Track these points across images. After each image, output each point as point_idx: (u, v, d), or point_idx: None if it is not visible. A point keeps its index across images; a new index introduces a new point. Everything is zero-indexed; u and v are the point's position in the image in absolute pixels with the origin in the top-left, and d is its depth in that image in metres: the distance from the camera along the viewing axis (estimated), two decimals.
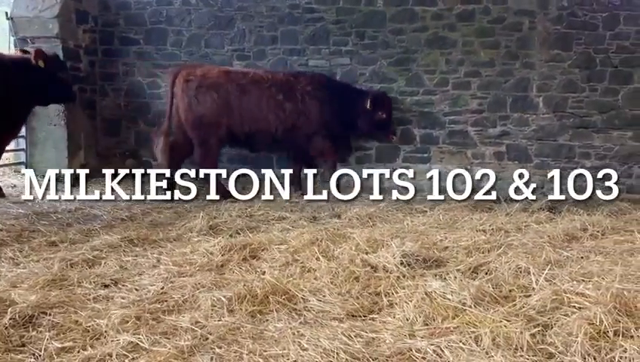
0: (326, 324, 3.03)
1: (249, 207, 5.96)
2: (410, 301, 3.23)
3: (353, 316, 3.21)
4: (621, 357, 2.46)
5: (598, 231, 5.17)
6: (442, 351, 2.63)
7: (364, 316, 3.21)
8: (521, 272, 3.79)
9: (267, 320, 3.05)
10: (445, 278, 3.62)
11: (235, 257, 4.09)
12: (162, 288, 3.45)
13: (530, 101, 7.35)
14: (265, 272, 3.78)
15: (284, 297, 3.29)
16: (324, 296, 3.43)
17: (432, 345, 2.68)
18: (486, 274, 3.79)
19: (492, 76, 7.32)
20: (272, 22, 7.67)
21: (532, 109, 7.35)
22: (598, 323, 2.69)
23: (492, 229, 5.27)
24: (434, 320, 2.99)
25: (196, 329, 2.85)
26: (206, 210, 5.69)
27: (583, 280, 3.48)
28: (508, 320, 2.91)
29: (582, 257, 4.35)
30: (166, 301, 3.26)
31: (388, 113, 7.15)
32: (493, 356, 2.53)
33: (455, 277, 3.57)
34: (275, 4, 7.64)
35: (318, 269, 3.86)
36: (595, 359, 2.48)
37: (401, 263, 3.96)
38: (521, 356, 2.56)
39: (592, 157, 7.23)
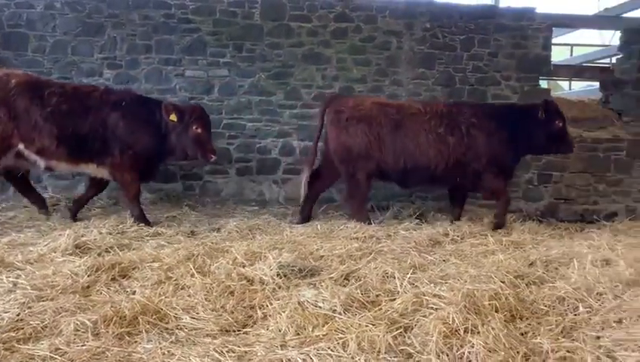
0: (198, 342, 3.00)
1: (120, 223, 5.70)
2: (284, 312, 3.30)
3: (227, 331, 3.21)
4: (469, 352, 2.71)
5: (458, 236, 5.64)
6: (312, 359, 2.72)
7: (238, 330, 3.22)
8: (387, 277, 4.03)
9: (136, 341, 2.94)
10: (318, 287, 3.74)
11: (103, 277, 3.89)
12: (18, 315, 3.19)
13: None
14: (135, 292, 3.64)
15: (154, 317, 3.20)
16: (197, 313, 3.38)
17: (302, 354, 2.76)
18: (356, 280, 3.96)
19: (364, 92, 7.69)
20: (146, 30, 7.43)
21: None
22: (451, 322, 2.94)
23: (365, 237, 5.52)
24: (305, 329, 3.08)
25: (56, 356, 2.69)
26: (73, 228, 5.34)
27: (442, 282, 3.77)
28: (373, 325, 3.08)
29: (443, 260, 4.71)
30: (22, 328, 3.02)
31: (562, 120, 6.39)
32: (357, 360, 2.66)
33: (327, 286, 3.70)
34: (148, 13, 7.42)
35: (193, 286, 3.80)
36: (447, 356, 2.71)
37: (278, 274, 4.02)
38: (384, 358, 2.73)
39: None
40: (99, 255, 4.50)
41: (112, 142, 5.94)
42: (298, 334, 3.03)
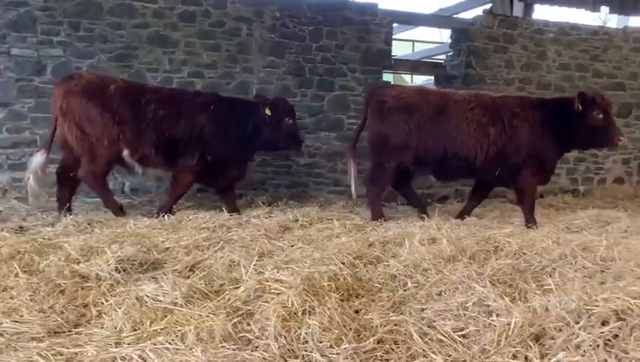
0: (20, 347, 2.75)
1: None
2: (120, 308, 3.14)
3: (56, 333, 2.99)
4: (306, 333, 2.81)
5: (307, 222, 5.81)
6: (147, 354, 2.63)
7: (69, 331, 3.01)
8: (234, 266, 4.03)
9: None
10: (160, 280, 3.61)
11: None
12: None
13: None
14: None
15: None
16: (21, 316, 3.10)
17: (137, 350, 2.66)
18: (201, 271, 3.91)
19: (215, 78, 7.55)
20: None
21: None
22: (290, 306, 3.03)
23: (215, 226, 5.46)
24: (143, 324, 2.96)
25: None
26: None
27: (285, 267, 3.86)
28: (215, 314, 3.06)
29: (291, 246, 4.83)
30: None
31: (603, 111, 6.00)
32: (195, 351, 2.62)
33: (168, 278, 3.59)
34: None
35: (16, 287, 3.46)
36: (285, 338, 2.79)
37: (116, 270, 3.83)
38: (223, 346, 2.72)
39: (305, 155, 8.05)
40: None
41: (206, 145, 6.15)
42: (135, 330, 2.91)
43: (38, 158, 5.72)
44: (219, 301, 3.30)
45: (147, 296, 3.31)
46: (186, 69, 7.47)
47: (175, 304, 3.22)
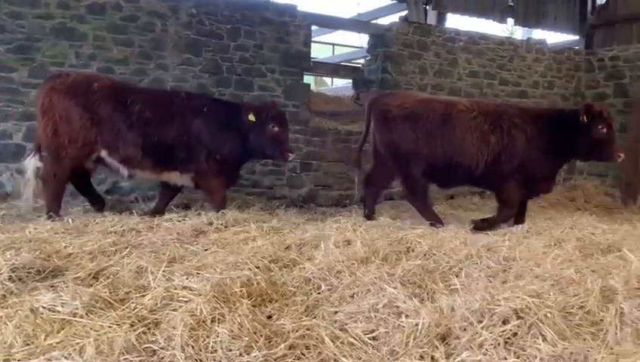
0: None
1: None
2: (12, 321, 2.89)
3: None
4: (215, 342, 2.73)
5: (222, 225, 5.67)
6: None
7: None
8: (142, 272, 3.84)
9: None
10: (59, 289, 3.37)
11: None
12: None
13: None
14: None
15: None
16: None
17: None
18: (106, 278, 3.69)
19: (127, 74, 7.22)
20: None
21: None
22: (199, 314, 2.92)
23: (123, 230, 5.20)
24: (37, 338, 2.74)
25: None
26: None
27: (197, 273, 3.73)
28: (118, 324, 2.89)
29: (205, 250, 4.69)
30: None
31: (606, 125, 6.00)
32: None
33: (69, 287, 3.36)
34: None
35: None
36: (192, 348, 2.68)
37: (10, 279, 3.53)
38: (125, 359, 2.57)
39: None
40: None
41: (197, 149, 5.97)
42: (27, 345, 2.69)
43: (32, 162, 5.76)
44: (123, 310, 3.12)
45: (43, 307, 3.07)
46: (95, 64, 7.08)
47: (75, 315, 3.01)
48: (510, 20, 11.25)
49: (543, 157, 6.14)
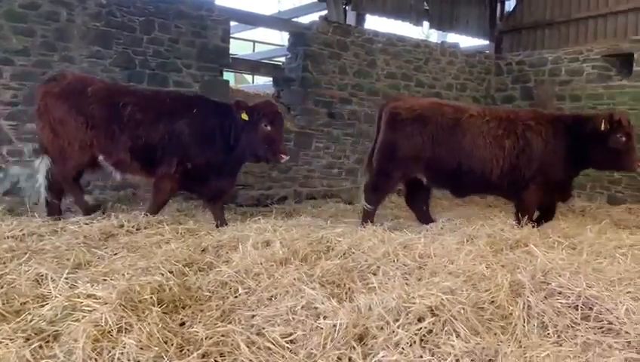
0: None
1: None
2: None
3: None
4: (121, 354, 2.55)
5: (133, 227, 5.38)
6: None
7: None
8: (42, 280, 3.55)
9: None
10: None
11: None
12: None
13: None
14: None
15: None
16: None
17: None
18: (0, 288, 3.37)
19: (28, 66, 6.67)
20: None
21: None
22: (103, 324, 2.72)
23: (23, 235, 4.81)
24: None
25: None
26: None
27: (104, 280, 3.50)
28: (11, 339, 2.64)
29: (115, 254, 4.42)
30: None
31: (627, 134, 5.83)
32: None
33: None
34: None
35: None
36: (96, 361, 2.49)
37: None
38: None
39: None
40: None
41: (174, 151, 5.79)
42: None
43: (44, 165, 5.75)
44: (18, 323, 2.85)
45: None
46: None
47: None
48: (426, 24, 11.60)
49: (559, 165, 6.10)
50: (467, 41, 12.79)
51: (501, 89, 11.82)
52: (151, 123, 5.76)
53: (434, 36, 16.87)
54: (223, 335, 2.88)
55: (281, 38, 18.03)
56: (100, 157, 5.82)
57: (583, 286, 3.43)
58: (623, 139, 5.83)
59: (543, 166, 6.05)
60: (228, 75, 9.50)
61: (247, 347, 2.78)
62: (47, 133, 5.72)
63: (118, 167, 5.88)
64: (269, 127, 5.79)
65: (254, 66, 9.94)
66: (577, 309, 3.28)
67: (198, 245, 4.71)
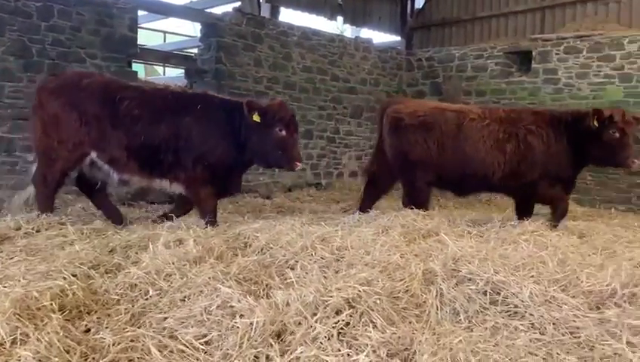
0: None
1: None
2: None
3: None
4: None
5: (32, 229, 4.97)
6: None
7: None
8: None
9: None
10: None
11: None
12: None
13: None
14: None
15: None
16: None
17: None
18: None
19: None
20: None
21: None
22: None
23: None
24: None
25: None
26: None
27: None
28: None
29: (10, 258, 4.06)
30: None
31: (619, 130, 5.72)
32: None
33: None
34: None
35: None
36: None
37: None
38: None
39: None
40: None
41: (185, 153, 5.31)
42: None
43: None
44: None
45: None
46: None
47: None
48: (340, 18, 11.72)
49: (560, 162, 6.01)
50: (380, 37, 13.10)
51: (412, 84, 12.20)
52: (150, 120, 5.36)
53: (349, 31, 17.13)
54: (132, 341, 2.71)
55: (194, 29, 17.49)
56: (93, 155, 5.39)
57: (491, 272, 3.58)
58: (617, 135, 5.75)
59: (544, 166, 6.00)
60: (137, 67, 9.08)
61: (159, 351, 2.64)
62: (37, 131, 5.39)
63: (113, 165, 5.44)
64: (283, 132, 5.32)
65: (164, 57, 9.60)
66: (486, 294, 3.42)
67: (105, 246, 4.43)
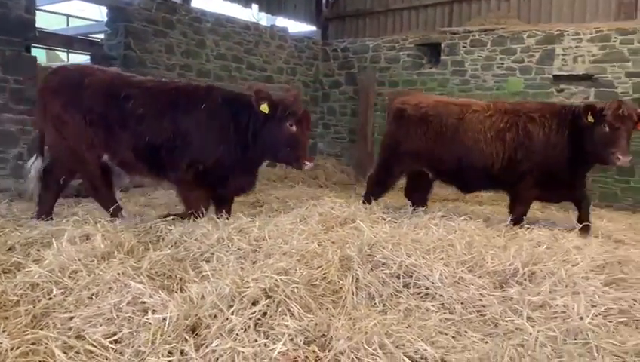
0: None
1: None
2: None
3: None
4: None
5: None
6: None
7: None
8: None
9: None
10: None
11: None
12: None
13: None
14: None
15: None
16: None
17: None
18: None
19: None
20: None
21: None
22: None
23: None
24: None
25: None
26: None
27: None
28: None
29: None
30: None
31: (610, 126, 5.47)
32: None
33: None
34: None
35: None
36: None
37: None
38: None
39: None
40: None
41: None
42: None
43: (37, 164, 5.27)
44: None
45: None
46: None
47: None
48: (255, 6, 11.56)
49: (556, 158, 5.82)
50: (296, 27, 13.06)
51: (328, 74, 12.31)
52: (154, 117, 5.05)
53: (264, 20, 16.94)
54: (33, 344, 2.54)
55: (100, 12, 16.58)
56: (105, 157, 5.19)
57: (404, 256, 3.69)
58: (606, 129, 5.50)
59: (541, 162, 5.87)
60: (38, 52, 8.45)
61: (64, 353, 2.49)
62: (51, 134, 5.19)
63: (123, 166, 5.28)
64: (294, 128, 4.95)
65: (68, 42, 9.00)
66: (399, 278, 3.53)
67: (3, 244, 4.12)
